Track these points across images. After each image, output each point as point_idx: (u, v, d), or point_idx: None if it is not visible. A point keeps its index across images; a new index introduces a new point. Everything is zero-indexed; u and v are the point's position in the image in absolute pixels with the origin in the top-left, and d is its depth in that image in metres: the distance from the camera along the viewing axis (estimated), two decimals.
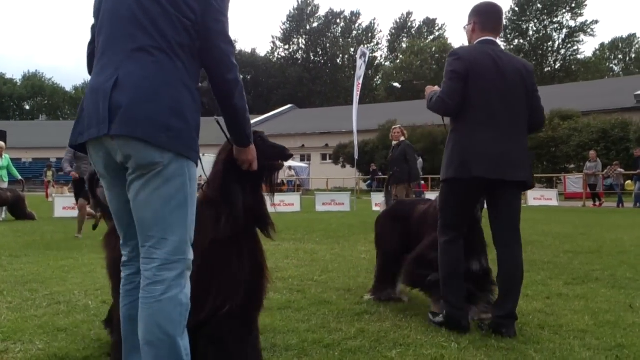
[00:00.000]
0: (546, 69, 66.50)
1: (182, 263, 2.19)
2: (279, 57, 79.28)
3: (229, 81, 2.27)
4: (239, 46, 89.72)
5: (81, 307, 4.24)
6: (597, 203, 19.77)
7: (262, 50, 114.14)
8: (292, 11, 77.48)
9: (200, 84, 2.30)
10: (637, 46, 69.82)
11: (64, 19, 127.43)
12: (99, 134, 2.14)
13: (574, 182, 23.89)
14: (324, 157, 48.94)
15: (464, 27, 3.85)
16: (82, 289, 4.86)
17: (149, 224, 2.17)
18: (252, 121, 58.03)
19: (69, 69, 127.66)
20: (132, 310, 2.31)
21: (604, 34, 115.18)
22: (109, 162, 2.23)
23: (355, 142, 19.11)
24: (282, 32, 78.68)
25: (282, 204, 17.57)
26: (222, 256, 2.56)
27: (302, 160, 49.01)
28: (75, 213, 14.66)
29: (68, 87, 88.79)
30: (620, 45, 71.11)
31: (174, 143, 2.14)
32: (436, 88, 3.79)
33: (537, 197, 20.64)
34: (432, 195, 19.48)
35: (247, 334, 2.68)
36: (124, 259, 2.40)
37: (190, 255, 2.24)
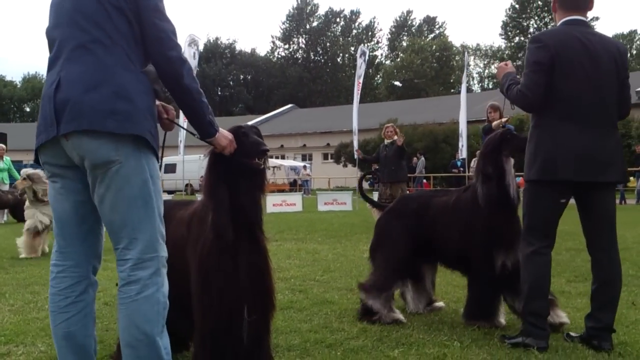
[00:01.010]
0: None
1: (155, 261, 2.19)
2: (279, 56, 79.23)
3: (172, 59, 2.19)
4: (238, 46, 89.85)
5: None
6: None
7: (262, 50, 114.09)
8: (291, 11, 77.42)
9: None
10: (638, 42, 69.65)
11: None
12: (48, 137, 2.13)
13: None
14: (325, 157, 48.94)
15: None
16: None
17: (118, 226, 2.18)
18: (253, 121, 57.94)
19: None
20: (70, 327, 2.27)
21: (604, 31, 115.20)
22: (66, 164, 2.21)
23: (355, 142, 19.14)
24: (281, 31, 78.54)
25: (284, 204, 17.57)
26: (222, 260, 2.49)
27: (303, 159, 49.01)
28: None
29: None
30: (622, 41, 71.08)
31: (124, 125, 2.08)
32: (510, 66, 3.42)
33: None
34: None
35: (264, 334, 2.64)
36: (56, 269, 2.33)
37: (163, 252, 2.24)
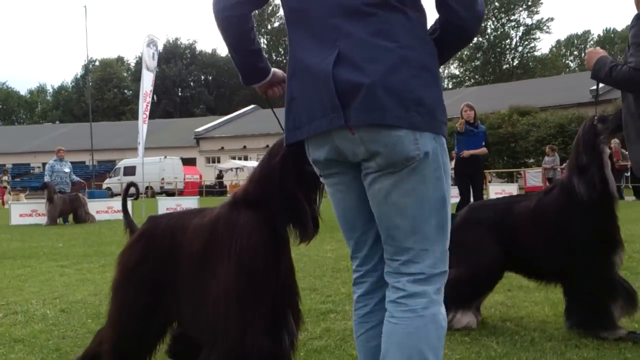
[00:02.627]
0: (504, 66, 67.76)
1: (443, 276, 1.81)
2: None
3: (480, 13, 1.81)
4: (198, 47, 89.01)
5: (39, 316, 4.12)
6: None
7: (223, 51, 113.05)
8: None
9: None
10: (591, 42, 71.61)
11: (15, 21, 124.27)
12: (330, 126, 1.71)
13: (534, 176, 24.40)
14: None
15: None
16: (40, 298, 4.73)
17: (405, 234, 1.76)
18: (215, 122, 57.54)
19: (23, 72, 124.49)
20: (372, 342, 1.89)
21: (559, 31, 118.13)
22: (337, 158, 1.80)
23: None
24: None
25: None
26: (270, 262, 2.27)
27: None
28: (32, 220, 14.37)
29: (23, 91, 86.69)
30: (576, 41, 72.88)
31: (429, 122, 1.69)
32: (601, 50, 3.17)
33: (499, 192, 20.99)
34: None
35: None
36: (355, 275, 1.98)
37: (447, 266, 1.85)
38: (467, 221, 3.66)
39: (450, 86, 70.68)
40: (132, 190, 3.13)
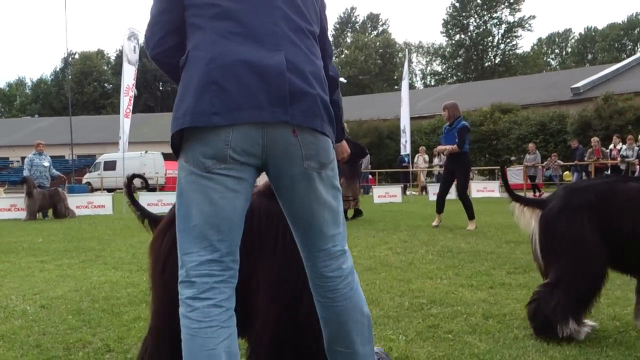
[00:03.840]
0: (486, 64, 68.29)
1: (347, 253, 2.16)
2: None
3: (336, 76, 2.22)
4: None
5: (19, 312, 4.06)
6: (537, 194, 20.43)
7: None
8: None
9: None
10: (572, 41, 72.52)
11: None
12: (273, 120, 1.82)
13: (515, 174, 24.60)
14: None
15: None
16: (20, 294, 4.67)
17: (331, 223, 2.04)
18: None
19: (1, 65, 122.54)
20: (232, 346, 1.87)
21: (541, 29, 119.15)
22: (253, 153, 1.86)
23: None
24: None
25: None
26: None
27: None
28: (11, 215, 14.17)
29: (1, 84, 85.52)
30: (557, 39, 73.70)
31: (333, 128, 2.04)
32: None
33: (480, 189, 21.17)
34: (380, 190, 19.71)
35: None
36: (212, 280, 1.87)
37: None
38: (567, 206, 3.20)
39: (432, 83, 71.09)
40: (136, 184, 3.06)
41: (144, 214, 2.79)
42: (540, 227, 3.26)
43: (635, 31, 65.71)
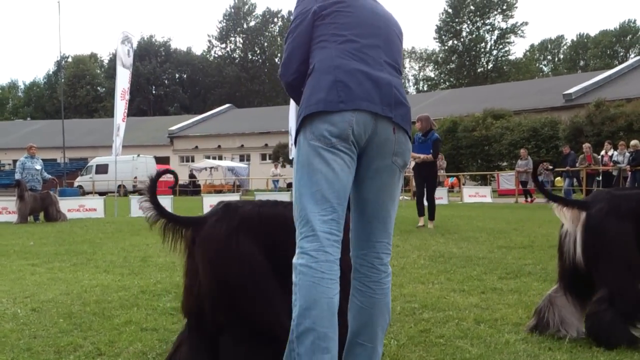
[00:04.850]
0: (479, 70, 68.56)
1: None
2: (216, 56, 78.31)
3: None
4: (173, 44, 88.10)
5: (9, 315, 4.04)
6: (529, 199, 20.52)
7: (198, 49, 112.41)
8: (228, 10, 76.76)
9: None
10: (565, 47, 72.95)
11: None
12: (383, 113, 2.27)
13: (507, 179, 24.72)
14: (263, 157, 48.72)
15: None
16: (10, 297, 4.64)
17: (390, 222, 2.41)
18: (190, 121, 57.13)
19: None
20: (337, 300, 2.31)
21: (533, 36, 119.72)
22: (361, 138, 2.27)
23: (291, 142, 19.08)
24: (218, 30, 77.70)
25: None
26: None
27: (241, 160, 48.61)
28: (2, 218, 14.07)
29: None
30: (549, 46, 74.12)
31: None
32: None
33: (472, 194, 21.24)
34: None
35: None
36: (332, 237, 2.22)
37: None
38: (612, 212, 3.23)
39: (425, 88, 71.25)
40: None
41: (164, 215, 2.72)
42: (585, 229, 3.24)
43: (627, 38, 66.23)
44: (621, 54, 65.76)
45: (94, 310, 4.11)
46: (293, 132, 16.50)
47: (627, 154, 17.89)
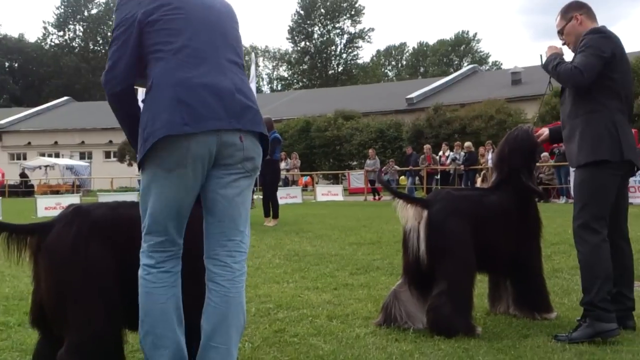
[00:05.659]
0: (330, 72, 70.68)
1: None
2: (52, 44, 72.18)
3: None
4: (3, 30, 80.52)
5: None
6: (377, 197, 21.52)
7: (32, 36, 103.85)
8: None
9: None
10: (407, 54, 77.39)
11: None
12: (230, 127, 2.30)
13: (357, 178, 25.71)
14: (107, 155, 45.93)
15: (561, 31, 3.55)
16: None
17: (242, 220, 2.44)
18: (22, 114, 52.11)
19: None
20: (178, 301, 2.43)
21: (379, 41, 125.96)
22: (205, 159, 2.31)
23: None
24: (55, 17, 71.69)
25: (58, 207, 16.11)
26: None
27: (82, 158, 45.32)
28: None
29: None
30: (393, 52, 78.25)
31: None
32: (557, 48, 3.53)
33: (325, 193, 21.80)
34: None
35: None
36: (165, 254, 2.38)
37: None
38: (447, 209, 3.60)
39: (279, 88, 72.06)
40: None
41: (2, 227, 2.51)
42: (428, 226, 3.54)
43: (462, 47, 71.87)
44: (456, 62, 71.19)
45: None
46: None
47: (462, 154, 19.46)
